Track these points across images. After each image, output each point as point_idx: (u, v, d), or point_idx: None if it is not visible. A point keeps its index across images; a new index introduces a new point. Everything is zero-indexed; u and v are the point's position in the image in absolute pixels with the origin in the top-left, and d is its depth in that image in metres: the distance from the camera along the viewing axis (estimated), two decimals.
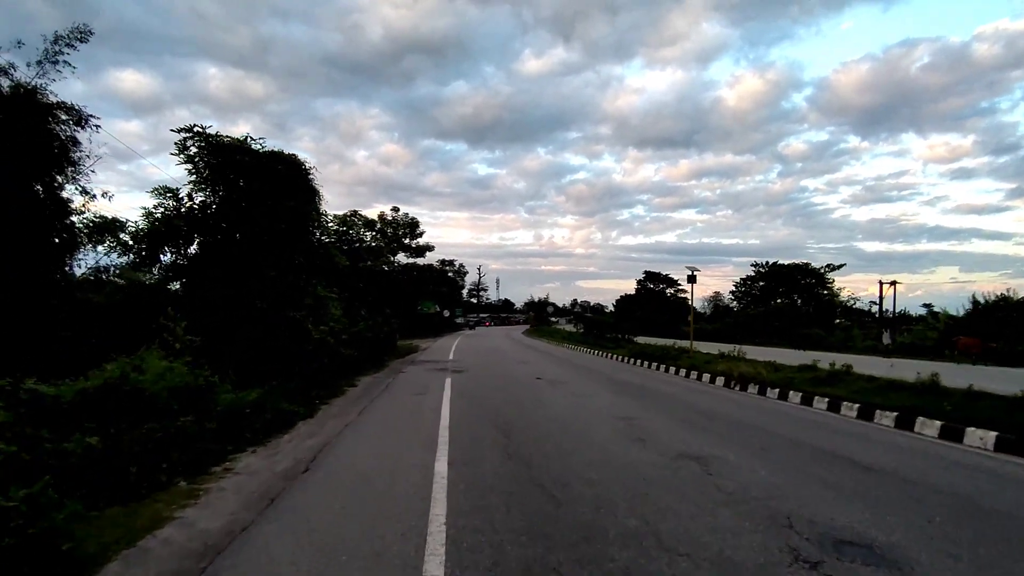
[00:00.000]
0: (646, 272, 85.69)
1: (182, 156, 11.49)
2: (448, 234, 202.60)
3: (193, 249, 12.07)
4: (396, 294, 46.58)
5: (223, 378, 8.21)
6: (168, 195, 11.88)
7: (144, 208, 11.61)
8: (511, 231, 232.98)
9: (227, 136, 11.90)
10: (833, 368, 12.43)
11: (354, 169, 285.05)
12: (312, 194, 12.46)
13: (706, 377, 14.39)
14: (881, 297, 45.26)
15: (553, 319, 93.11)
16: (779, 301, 48.72)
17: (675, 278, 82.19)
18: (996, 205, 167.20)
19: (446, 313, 63.08)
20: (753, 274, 62.43)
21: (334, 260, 16.47)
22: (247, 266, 11.38)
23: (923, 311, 43.11)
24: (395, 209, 48.08)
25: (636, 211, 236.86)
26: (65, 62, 9.92)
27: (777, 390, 11.32)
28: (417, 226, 48.42)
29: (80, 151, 9.91)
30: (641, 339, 30.06)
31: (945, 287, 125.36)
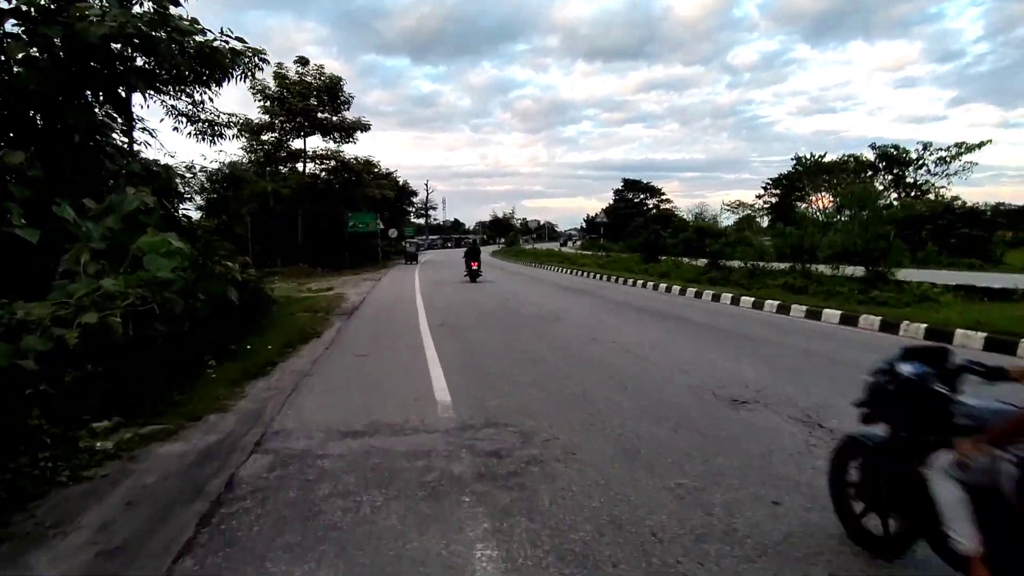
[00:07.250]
0: (624, 180, 68.91)
1: None
2: (392, 154, 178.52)
3: None
4: (305, 197, 29.05)
5: None
6: None
7: None
8: (456, 150, 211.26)
9: None
10: None
11: None
12: None
13: None
14: None
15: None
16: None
17: (658, 187, 66.63)
18: (936, 115, 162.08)
19: (393, 233, 45.02)
20: (790, 171, 47.69)
21: None
22: None
23: None
24: (302, 61, 29.03)
25: (583, 127, 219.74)
26: None
27: None
28: (340, 90, 29.66)
29: None
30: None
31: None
